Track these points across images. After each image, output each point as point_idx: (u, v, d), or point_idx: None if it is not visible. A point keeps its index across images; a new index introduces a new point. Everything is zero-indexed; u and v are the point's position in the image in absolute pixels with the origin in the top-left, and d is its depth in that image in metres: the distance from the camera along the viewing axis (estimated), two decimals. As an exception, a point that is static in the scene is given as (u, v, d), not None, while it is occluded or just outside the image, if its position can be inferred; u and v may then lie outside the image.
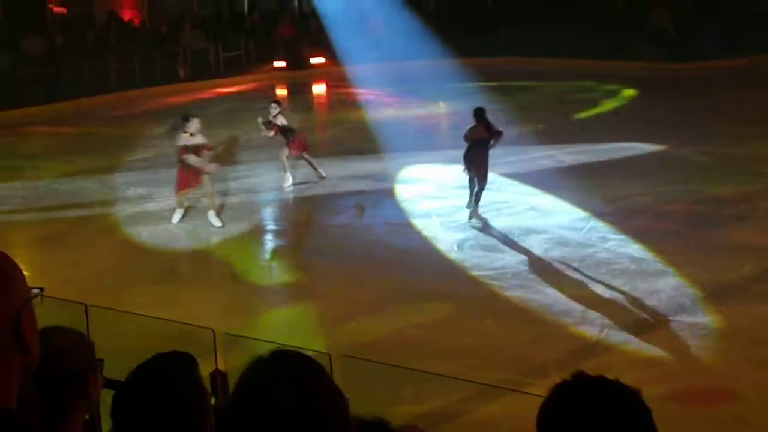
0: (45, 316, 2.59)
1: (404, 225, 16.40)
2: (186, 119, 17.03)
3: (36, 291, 2.42)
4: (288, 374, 2.49)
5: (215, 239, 16.33)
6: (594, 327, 11.85)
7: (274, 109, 18.87)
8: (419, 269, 14.20)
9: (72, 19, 33.07)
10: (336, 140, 23.00)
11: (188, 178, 16.85)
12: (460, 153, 16.45)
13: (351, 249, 15.37)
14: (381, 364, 8.89)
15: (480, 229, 15.87)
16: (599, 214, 16.26)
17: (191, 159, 16.67)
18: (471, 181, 16.41)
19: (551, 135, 21.77)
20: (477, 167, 16.28)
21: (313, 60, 32.97)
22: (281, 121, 18.77)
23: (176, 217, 17.04)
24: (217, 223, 16.70)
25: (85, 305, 8.79)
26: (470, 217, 16.30)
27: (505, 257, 14.55)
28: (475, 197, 16.36)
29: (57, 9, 33.53)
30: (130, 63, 30.97)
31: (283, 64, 32.78)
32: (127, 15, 34.14)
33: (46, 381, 3.13)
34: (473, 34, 31.99)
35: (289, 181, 18.84)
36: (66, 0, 33.97)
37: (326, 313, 12.79)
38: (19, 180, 20.37)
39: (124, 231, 16.86)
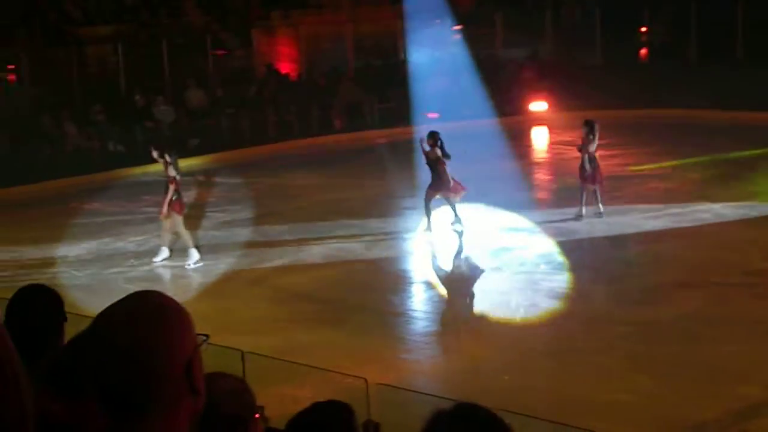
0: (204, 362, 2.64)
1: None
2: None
3: (203, 337, 2.48)
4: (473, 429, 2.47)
5: (364, 286, 16.42)
6: (759, 387, 11.50)
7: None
8: (568, 324, 14.03)
9: (232, 72, 33.85)
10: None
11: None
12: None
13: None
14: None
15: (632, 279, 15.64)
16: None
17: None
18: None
19: None
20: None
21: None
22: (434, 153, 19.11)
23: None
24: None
25: (242, 352, 8.93)
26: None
27: (660, 310, 14.29)
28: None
29: (220, 54, 34.37)
30: (287, 115, 31.53)
31: (436, 115, 32.85)
32: (284, 68, 34.79)
33: (209, 426, 3.17)
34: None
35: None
36: (227, 54, 34.84)
37: (478, 365, 12.70)
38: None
39: (276, 279, 17.09)
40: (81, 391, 3.44)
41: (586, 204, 19.74)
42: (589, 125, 19.85)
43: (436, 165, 18.93)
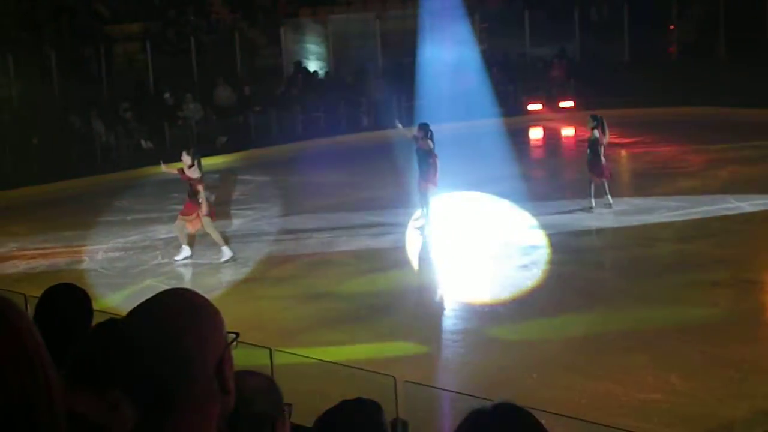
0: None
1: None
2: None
3: (233, 335, 2.48)
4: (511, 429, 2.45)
5: (391, 284, 16.42)
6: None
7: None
8: (598, 322, 13.97)
9: (260, 70, 33.90)
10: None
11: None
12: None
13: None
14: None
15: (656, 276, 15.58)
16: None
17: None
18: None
19: None
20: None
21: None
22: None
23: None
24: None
25: (270, 349, 8.93)
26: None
27: (690, 308, 14.21)
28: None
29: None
30: (315, 112, 31.56)
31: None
32: (312, 66, 34.82)
33: (238, 424, 3.17)
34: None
35: None
36: (256, 52, 34.90)
37: (507, 364, 12.67)
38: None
39: (304, 277, 17.11)
40: (106, 383, 3.45)
41: (595, 196, 20.06)
42: (597, 120, 20.15)
43: (427, 157, 19.19)
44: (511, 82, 33.80)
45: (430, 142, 19.28)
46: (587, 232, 19.02)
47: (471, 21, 35.77)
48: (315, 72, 34.19)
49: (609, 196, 20.07)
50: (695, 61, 32.96)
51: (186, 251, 18.16)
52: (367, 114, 32.05)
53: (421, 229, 19.32)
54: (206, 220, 17.83)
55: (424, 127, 19.51)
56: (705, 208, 19.85)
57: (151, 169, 26.22)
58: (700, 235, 18.32)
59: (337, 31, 35.70)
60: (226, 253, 17.95)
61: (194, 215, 17.75)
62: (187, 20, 34.39)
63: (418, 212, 19.67)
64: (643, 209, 20.11)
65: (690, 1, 35.33)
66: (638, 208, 20.13)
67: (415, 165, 19.65)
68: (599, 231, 19.10)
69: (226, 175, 26.22)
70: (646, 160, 25.37)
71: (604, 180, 20.05)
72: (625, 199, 21.06)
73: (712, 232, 18.42)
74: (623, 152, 27.28)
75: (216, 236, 18.04)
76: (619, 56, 35.19)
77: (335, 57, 35.26)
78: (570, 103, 32.76)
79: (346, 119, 31.82)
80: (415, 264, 17.77)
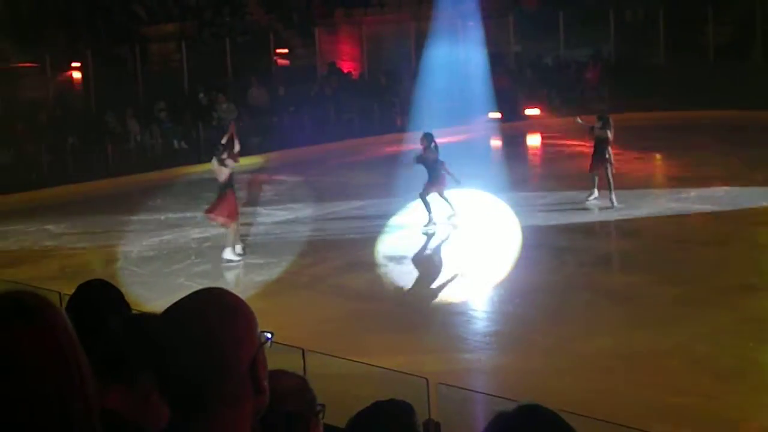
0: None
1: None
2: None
3: (267, 335, 2.48)
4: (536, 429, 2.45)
5: (423, 286, 16.40)
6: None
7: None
8: (630, 325, 13.91)
9: (295, 70, 33.96)
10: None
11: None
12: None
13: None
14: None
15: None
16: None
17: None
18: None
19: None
20: None
21: (529, 111, 32.85)
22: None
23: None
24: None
25: (303, 350, 8.94)
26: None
27: (725, 311, 14.12)
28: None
29: (281, 61, 34.57)
30: (348, 113, 31.59)
31: (498, 115, 32.75)
32: (346, 67, 34.86)
33: (271, 423, 3.17)
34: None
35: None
36: (290, 52, 34.99)
37: (539, 366, 12.63)
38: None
39: (337, 277, 17.13)
40: (140, 380, 3.46)
41: (599, 187, 20.94)
42: (604, 120, 21.18)
43: (435, 165, 19.38)
44: (546, 83, 33.72)
45: (434, 151, 19.47)
46: (624, 235, 18.94)
47: (505, 22, 35.77)
48: (349, 73, 34.23)
49: (613, 194, 20.59)
50: (730, 64, 32.75)
51: (239, 249, 18.22)
52: (401, 115, 32.03)
53: (449, 227, 19.50)
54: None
55: (428, 138, 19.68)
56: (741, 209, 19.73)
57: (184, 169, 26.38)
58: (735, 238, 18.21)
59: (371, 33, 35.73)
60: (233, 253, 18.10)
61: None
62: (222, 21, 34.52)
63: (447, 214, 19.63)
64: (678, 211, 20.03)
65: (726, 3, 35.08)
66: (672, 210, 20.05)
67: (426, 174, 19.59)
68: (631, 233, 19.01)
69: (259, 175, 26.25)
70: (680, 163, 25.23)
71: (609, 177, 20.64)
72: (660, 201, 20.99)
73: (748, 236, 18.30)
74: (657, 155, 27.17)
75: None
76: (654, 58, 35.03)
77: (369, 58, 35.28)
78: (535, 111, 32.70)
79: (379, 120, 31.83)
80: (446, 267, 17.75)
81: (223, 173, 17.91)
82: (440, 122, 27.90)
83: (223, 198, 17.91)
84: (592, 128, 21.37)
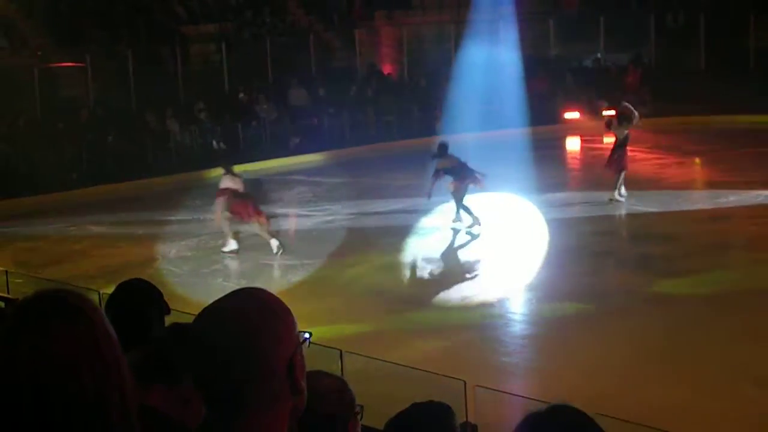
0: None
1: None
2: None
3: (305, 335, 2.49)
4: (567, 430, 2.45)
5: (462, 289, 16.38)
6: None
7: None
8: (667, 328, 13.82)
9: (335, 71, 34.00)
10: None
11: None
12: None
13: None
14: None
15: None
16: None
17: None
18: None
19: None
20: None
21: (568, 115, 32.70)
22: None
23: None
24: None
25: (340, 351, 8.95)
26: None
27: (764, 316, 14.02)
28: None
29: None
30: (388, 115, 31.59)
31: (577, 114, 32.50)
32: (386, 68, 34.88)
33: (310, 424, 3.17)
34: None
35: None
36: (330, 54, 35.03)
37: (577, 369, 12.58)
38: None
39: (376, 279, 17.14)
40: (179, 379, 3.48)
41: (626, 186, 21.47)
42: (624, 116, 21.96)
43: (460, 169, 19.30)
44: (585, 87, 33.59)
45: (450, 160, 19.44)
46: (656, 237, 18.84)
47: (545, 25, 35.66)
48: (389, 75, 34.23)
49: (623, 189, 21.30)
50: None
51: (274, 244, 18.32)
52: (441, 117, 31.98)
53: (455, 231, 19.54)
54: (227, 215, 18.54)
55: (444, 147, 19.72)
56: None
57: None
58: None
59: (411, 35, 35.73)
60: (233, 246, 18.63)
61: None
62: (262, 21, 34.61)
63: (481, 218, 19.57)
64: (718, 216, 19.94)
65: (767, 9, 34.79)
66: (711, 214, 19.96)
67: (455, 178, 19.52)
68: (670, 237, 18.88)
69: (298, 176, 26.31)
70: (720, 168, 25.05)
71: (623, 172, 21.38)
72: (699, 205, 20.89)
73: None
74: (697, 159, 27.02)
75: (228, 230, 18.69)
76: (695, 63, 34.81)
77: (409, 60, 35.26)
78: (575, 114, 32.52)
79: (419, 122, 31.81)
80: (484, 269, 17.72)
81: None
82: (477, 125, 27.95)
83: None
84: (610, 123, 22.08)
